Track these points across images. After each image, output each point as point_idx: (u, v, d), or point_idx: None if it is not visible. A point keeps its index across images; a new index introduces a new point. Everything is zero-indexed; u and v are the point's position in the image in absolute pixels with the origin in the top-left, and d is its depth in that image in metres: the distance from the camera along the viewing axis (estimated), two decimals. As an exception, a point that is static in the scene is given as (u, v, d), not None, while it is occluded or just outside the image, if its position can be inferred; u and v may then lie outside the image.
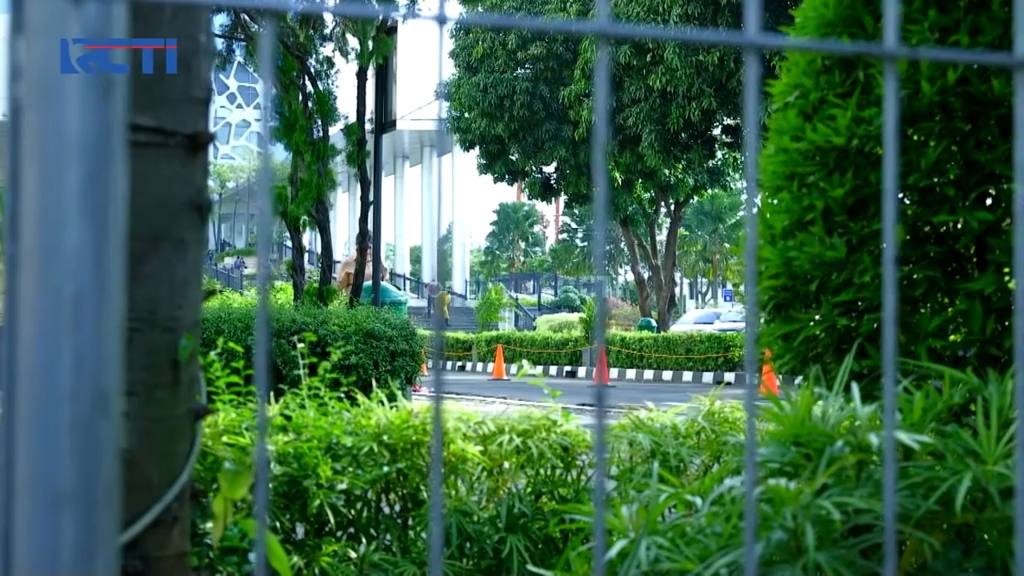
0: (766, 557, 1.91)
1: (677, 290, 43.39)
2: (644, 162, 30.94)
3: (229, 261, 69.80)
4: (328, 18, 11.24)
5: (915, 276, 2.76)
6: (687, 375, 25.28)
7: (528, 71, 34.44)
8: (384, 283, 12.18)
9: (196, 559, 2.81)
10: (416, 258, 72.31)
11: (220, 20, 11.88)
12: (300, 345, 3.54)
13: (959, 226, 2.76)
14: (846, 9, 2.82)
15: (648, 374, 26.51)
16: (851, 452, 1.99)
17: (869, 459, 2.00)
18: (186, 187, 2.05)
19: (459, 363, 33.13)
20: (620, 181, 34.61)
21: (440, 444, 0.99)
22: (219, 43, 12.32)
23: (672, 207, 35.74)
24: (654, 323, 33.51)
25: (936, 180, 2.72)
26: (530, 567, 3.01)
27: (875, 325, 2.77)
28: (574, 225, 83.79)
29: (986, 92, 2.63)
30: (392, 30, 11.34)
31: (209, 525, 2.75)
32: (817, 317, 2.86)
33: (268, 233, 0.97)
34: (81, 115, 0.91)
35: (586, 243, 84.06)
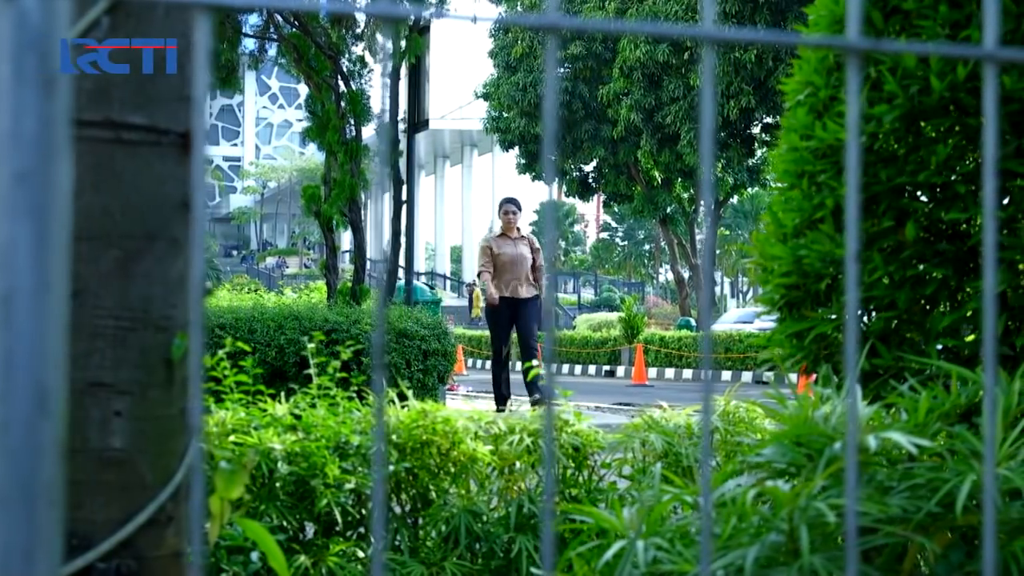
0: (763, 559, 1.89)
1: (717, 289, 43.20)
2: (683, 161, 30.82)
3: (271, 260, 70.36)
4: (360, 17, 11.25)
5: (932, 275, 2.71)
6: (726, 374, 25.09)
7: (567, 70, 34.39)
8: (418, 283, 12.19)
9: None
10: (457, 258, 72.38)
11: (253, 20, 11.94)
12: (310, 345, 3.54)
13: (974, 223, 2.72)
14: (855, 4, 2.77)
15: (687, 373, 26.36)
16: (851, 453, 1.96)
17: (869, 460, 1.98)
18: (180, 186, 2.04)
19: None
20: (659, 180, 34.51)
21: (383, 446, 0.97)
22: (251, 43, 12.37)
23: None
24: (693, 322, 33.34)
25: (949, 177, 2.68)
26: (534, 570, 2.99)
27: (892, 323, 2.73)
28: (614, 224, 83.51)
29: (996, 87, 2.58)
30: (424, 29, 11.34)
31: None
32: (832, 316, 2.82)
33: (201, 232, 0.96)
34: (13, 112, 0.90)
35: (627, 242, 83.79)
